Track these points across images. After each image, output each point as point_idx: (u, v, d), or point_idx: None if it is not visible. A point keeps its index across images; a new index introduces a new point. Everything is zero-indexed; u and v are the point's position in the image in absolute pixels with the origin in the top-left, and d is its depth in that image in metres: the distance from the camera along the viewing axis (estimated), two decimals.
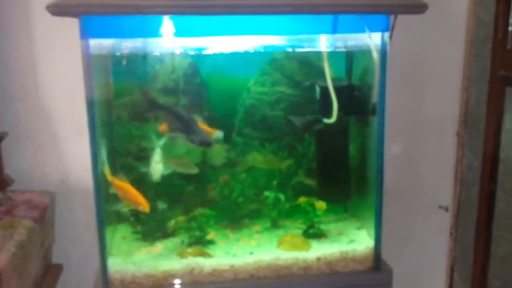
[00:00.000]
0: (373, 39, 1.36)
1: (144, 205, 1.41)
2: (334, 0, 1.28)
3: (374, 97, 1.41)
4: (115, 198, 1.44)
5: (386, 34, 1.38)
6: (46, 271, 1.60)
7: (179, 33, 1.32)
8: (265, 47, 1.47)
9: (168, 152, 1.53)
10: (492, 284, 1.74)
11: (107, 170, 1.42)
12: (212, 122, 1.58)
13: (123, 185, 1.42)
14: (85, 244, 1.73)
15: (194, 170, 1.57)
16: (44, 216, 1.52)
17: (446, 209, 1.94)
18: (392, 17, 1.49)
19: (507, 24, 1.49)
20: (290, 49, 1.52)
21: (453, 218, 1.94)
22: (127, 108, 1.59)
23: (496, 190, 1.62)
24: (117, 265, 1.42)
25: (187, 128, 1.46)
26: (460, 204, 1.91)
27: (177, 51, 1.51)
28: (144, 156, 1.55)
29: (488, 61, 1.59)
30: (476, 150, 1.79)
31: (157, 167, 1.48)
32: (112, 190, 1.43)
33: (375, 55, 1.37)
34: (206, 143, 1.46)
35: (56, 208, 1.66)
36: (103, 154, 1.41)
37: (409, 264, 1.93)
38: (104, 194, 1.39)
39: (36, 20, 1.58)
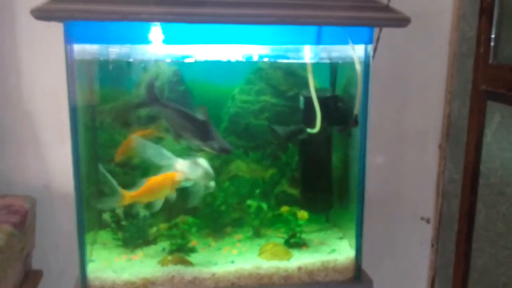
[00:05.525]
0: (356, 51, 1.38)
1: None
2: (317, 11, 1.29)
3: (356, 109, 1.42)
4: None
5: (370, 47, 1.39)
6: (26, 277, 1.59)
7: (164, 40, 1.33)
8: (250, 56, 1.47)
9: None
10: None
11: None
12: None
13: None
14: (66, 250, 1.71)
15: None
16: (24, 221, 1.51)
17: (428, 221, 1.96)
18: (377, 29, 1.51)
19: (489, 40, 1.51)
20: (268, 59, 1.52)
21: (434, 229, 1.95)
22: (111, 113, 1.58)
23: (476, 202, 1.64)
24: (97, 271, 1.41)
25: (203, 133, 1.43)
26: (442, 216, 1.92)
27: (162, 58, 1.51)
28: (127, 163, 1.55)
29: (471, 76, 1.61)
30: (457, 163, 1.81)
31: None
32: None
33: (358, 66, 1.38)
34: (225, 150, 1.43)
35: (37, 213, 1.65)
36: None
37: (391, 274, 1.94)
38: (85, 200, 1.38)
39: (21, 24, 1.58)
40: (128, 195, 1.41)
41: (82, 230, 1.37)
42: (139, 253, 1.52)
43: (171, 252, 1.52)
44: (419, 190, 1.93)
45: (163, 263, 1.45)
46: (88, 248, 1.42)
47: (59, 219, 1.70)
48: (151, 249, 1.55)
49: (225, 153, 1.47)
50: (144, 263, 1.46)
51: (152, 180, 1.42)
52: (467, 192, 1.61)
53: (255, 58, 1.48)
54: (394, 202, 1.92)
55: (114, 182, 1.40)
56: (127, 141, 1.54)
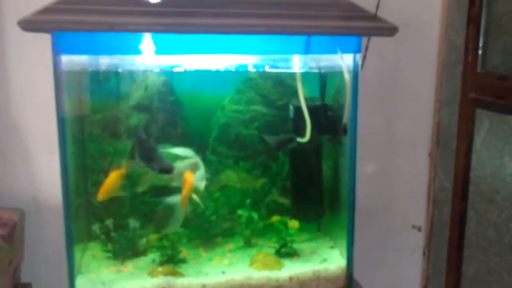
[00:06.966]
0: (344, 60, 1.38)
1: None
2: (306, 21, 1.30)
3: (345, 118, 1.42)
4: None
5: (358, 56, 1.40)
6: None
7: (153, 50, 1.33)
8: (240, 66, 1.48)
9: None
10: None
11: None
12: (186, 139, 1.58)
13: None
14: (55, 263, 1.69)
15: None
16: (12, 234, 1.49)
17: (419, 229, 1.96)
18: (365, 38, 1.52)
19: (477, 48, 1.52)
20: (260, 69, 1.53)
21: (426, 237, 1.95)
22: (99, 124, 1.58)
23: (467, 210, 1.64)
24: (86, 284, 1.39)
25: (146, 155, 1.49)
26: (433, 224, 1.92)
27: (151, 69, 1.51)
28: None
29: (459, 84, 1.62)
30: (448, 171, 1.82)
31: None
32: None
33: (347, 76, 1.39)
34: (166, 170, 1.49)
35: (26, 225, 1.63)
36: None
37: (383, 283, 1.94)
38: (74, 212, 1.37)
39: (9, 35, 1.57)
40: (183, 196, 1.46)
41: (71, 242, 1.36)
42: (129, 265, 1.51)
43: (161, 263, 1.51)
44: (410, 198, 1.93)
45: (153, 274, 1.44)
46: (77, 260, 1.41)
47: (48, 231, 1.69)
48: (141, 260, 1.53)
49: (166, 173, 1.51)
50: (134, 275, 1.45)
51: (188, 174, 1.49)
52: (457, 200, 1.61)
53: (245, 68, 1.49)
54: (385, 210, 1.92)
55: (167, 199, 1.48)
56: (110, 179, 1.50)
